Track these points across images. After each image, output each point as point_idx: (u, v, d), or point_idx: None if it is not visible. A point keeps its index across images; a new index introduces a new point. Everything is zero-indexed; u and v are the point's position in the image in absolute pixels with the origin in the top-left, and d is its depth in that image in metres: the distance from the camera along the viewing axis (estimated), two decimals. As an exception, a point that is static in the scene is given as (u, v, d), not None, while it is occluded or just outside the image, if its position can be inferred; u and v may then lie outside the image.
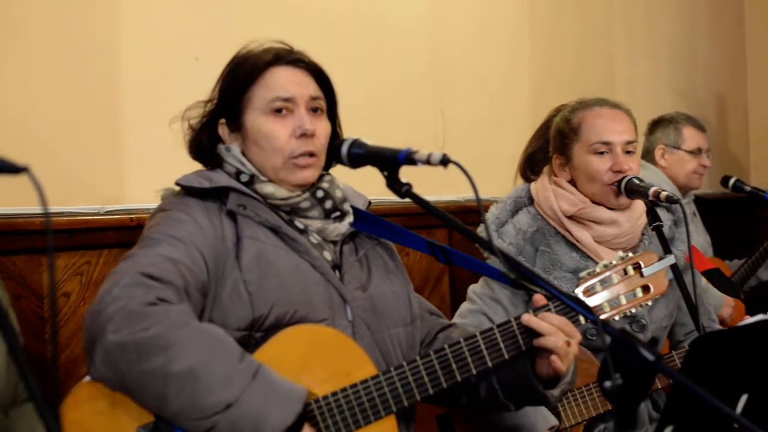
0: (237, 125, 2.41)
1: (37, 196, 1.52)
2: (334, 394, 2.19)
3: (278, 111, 2.36)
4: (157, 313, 2.02)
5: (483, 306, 3.06)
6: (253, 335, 2.23)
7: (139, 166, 3.15)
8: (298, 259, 2.33)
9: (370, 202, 2.60)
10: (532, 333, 2.34)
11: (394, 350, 2.40)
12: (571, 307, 2.08)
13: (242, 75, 2.40)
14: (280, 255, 2.31)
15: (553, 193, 3.10)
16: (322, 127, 2.40)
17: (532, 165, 3.30)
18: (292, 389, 2.05)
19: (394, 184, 2.18)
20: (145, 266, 2.12)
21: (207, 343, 2.03)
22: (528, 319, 2.33)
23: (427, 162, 2.11)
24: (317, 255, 2.36)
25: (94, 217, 3.00)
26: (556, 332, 2.31)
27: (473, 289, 3.14)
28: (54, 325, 1.22)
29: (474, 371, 2.32)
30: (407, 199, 2.20)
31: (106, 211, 3.03)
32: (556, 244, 3.07)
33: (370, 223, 2.51)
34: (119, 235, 3.01)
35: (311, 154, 2.37)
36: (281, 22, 3.49)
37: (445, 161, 2.08)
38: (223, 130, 2.44)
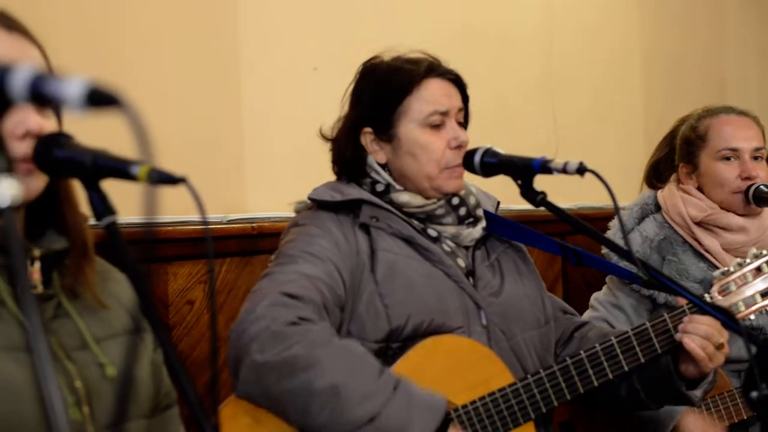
0: (387, 136, 2.41)
1: (191, 205, 1.55)
2: (473, 402, 2.21)
3: (437, 125, 2.38)
4: (298, 332, 2.06)
5: (605, 313, 3.04)
6: (390, 346, 2.25)
7: (261, 175, 3.18)
8: (432, 268, 2.34)
9: (498, 203, 2.61)
10: (669, 336, 2.34)
11: (529, 353, 2.40)
12: (716, 316, 2.06)
13: (396, 86, 2.40)
14: (414, 265, 2.33)
15: (681, 200, 3.07)
16: (465, 137, 2.42)
17: (657, 173, 3.27)
18: (432, 400, 2.06)
19: (528, 192, 2.19)
20: (284, 285, 2.16)
21: (348, 360, 2.07)
22: (686, 321, 2.32)
23: (563, 171, 2.11)
24: (450, 263, 2.37)
25: (217, 226, 3.03)
26: (720, 329, 2.30)
27: (596, 296, 3.13)
28: (213, 336, 1.23)
29: (611, 375, 2.32)
30: (522, 208, 2.19)
31: (229, 220, 3.06)
32: (684, 254, 3.04)
33: (501, 225, 2.53)
34: (241, 243, 3.04)
35: (461, 164, 2.39)
36: (398, 31, 3.50)
37: (581, 170, 2.08)
38: (366, 139, 2.44)
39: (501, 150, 2.28)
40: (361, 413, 2.00)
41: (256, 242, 3.05)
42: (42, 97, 1.01)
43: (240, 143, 3.15)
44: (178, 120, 3.00)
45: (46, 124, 1.58)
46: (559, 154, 3.92)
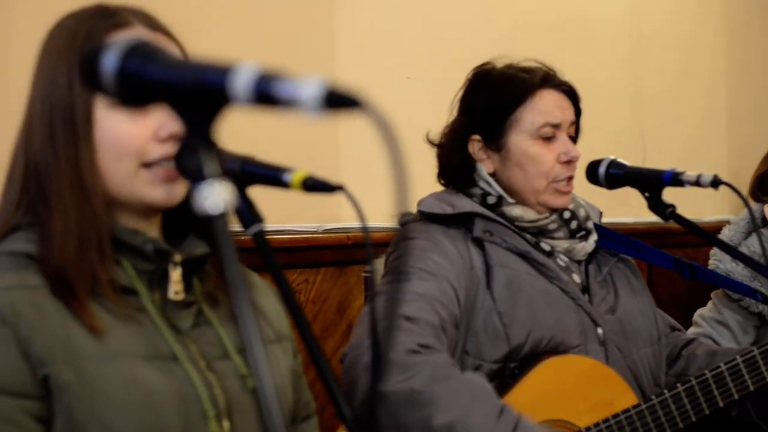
0: (497, 145, 2.35)
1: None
2: (597, 425, 2.15)
3: (548, 138, 2.32)
4: (418, 362, 1.99)
5: (709, 329, 2.99)
6: (508, 366, 2.19)
7: (355, 184, 3.14)
8: (548, 285, 2.28)
9: (601, 213, 2.55)
10: None
11: (644, 372, 2.34)
12: None
13: (509, 95, 2.34)
14: (531, 282, 2.26)
15: None
16: (577, 152, 2.36)
17: (763, 186, 3.22)
18: None
19: (657, 206, 2.14)
20: (399, 306, 2.07)
21: (468, 398, 1.99)
22: None
23: (696, 183, 2.07)
24: (567, 279, 2.31)
25: (313, 236, 3.00)
26: None
27: (700, 313, 3.08)
28: (375, 346, 1.20)
29: (736, 396, 2.26)
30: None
31: (324, 230, 3.03)
32: None
33: (609, 238, 2.46)
34: (336, 253, 3.00)
35: (571, 179, 2.33)
36: (487, 42, 3.47)
37: (716, 182, 2.04)
38: (474, 147, 2.37)
39: (626, 161, 2.23)
40: None
41: (351, 252, 3.02)
42: (269, 98, 0.97)
43: (335, 153, 3.13)
44: (273, 129, 2.98)
45: None
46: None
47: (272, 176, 1.59)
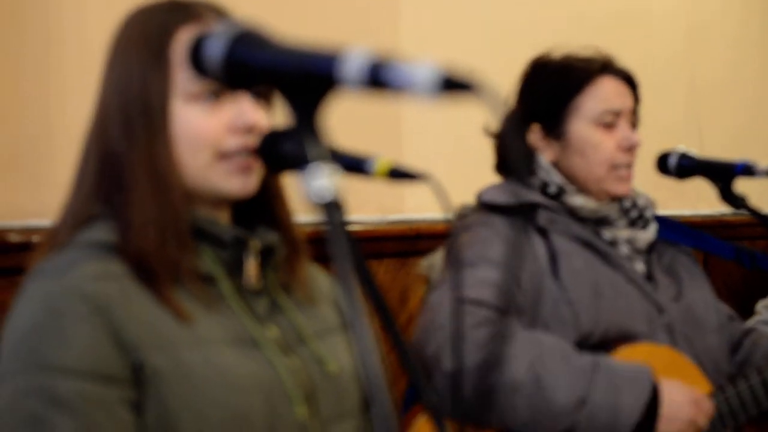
0: (556, 133, 2.34)
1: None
2: None
3: (609, 124, 2.32)
4: (486, 333, 2.03)
5: None
6: None
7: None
8: (614, 273, 2.28)
9: (653, 203, 2.54)
10: None
11: (710, 360, 2.33)
12: None
13: (569, 82, 2.34)
14: (598, 270, 2.26)
15: None
16: (637, 138, 2.36)
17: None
18: (636, 370, 2.03)
19: (729, 196, 2.14)
20: (463, 291, 2.12)
21: (540, 347, 2.03)
22: None
23: (769, 174, 2.06)
24: (631, 268, 2.31)
25: (376, 227, 3.01)
26: None
27: (765, 303, 3.05)
28: (457, 334, 1.21)
29: None
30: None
31: (388, 222, 3.05)
32: None
33: (668, 228, 2.46)
34: (399, 245, 3.02)
35: (631, 166, 2.33)
36: (545, 35, 3.47)
37: (788, 173, 2.02)
38: (534, 137, 2.36)
39: (695, 152, 2.24)
40: (569, 398, 1.97)
41: (413, 243, 3.02)
42: (381, 83, 0.99)
43: (398, 144, 3.14)
44: (336, 118, 3.00)
45: (262, 118, 1.54)
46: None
47: (355, 165, 1.60)
